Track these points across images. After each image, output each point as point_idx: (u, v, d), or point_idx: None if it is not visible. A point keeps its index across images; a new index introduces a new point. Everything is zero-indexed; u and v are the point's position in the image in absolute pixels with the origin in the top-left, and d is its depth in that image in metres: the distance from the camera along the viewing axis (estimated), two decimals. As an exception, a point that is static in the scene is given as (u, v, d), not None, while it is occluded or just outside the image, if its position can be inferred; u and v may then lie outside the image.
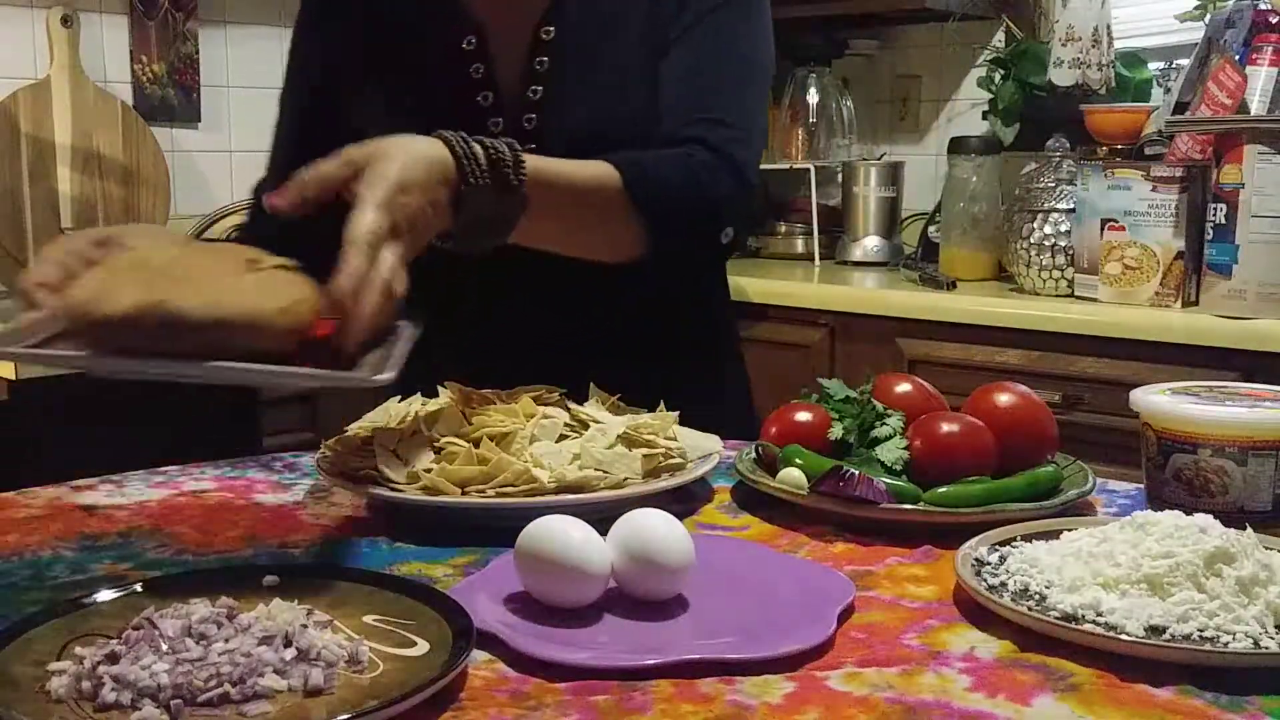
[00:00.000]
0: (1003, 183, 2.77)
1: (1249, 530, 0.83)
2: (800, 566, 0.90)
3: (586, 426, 1.06)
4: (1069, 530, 0.89)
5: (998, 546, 0.89)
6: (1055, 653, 0.75)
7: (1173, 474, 0.98)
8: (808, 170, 3.05)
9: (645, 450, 1.04)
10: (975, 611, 0.81)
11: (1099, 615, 0.77)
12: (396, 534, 0.98)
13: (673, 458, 1.05)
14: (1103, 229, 2.40)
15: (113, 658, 0.68)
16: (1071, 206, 2.48)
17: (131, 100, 2.78)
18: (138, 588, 0.81)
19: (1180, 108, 2.42)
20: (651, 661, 0.72)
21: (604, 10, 1.25)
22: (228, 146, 2.97)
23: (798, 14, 2.87)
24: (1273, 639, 0.74)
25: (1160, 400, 1.00)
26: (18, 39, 2.63)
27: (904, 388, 1.09)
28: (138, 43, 2.79)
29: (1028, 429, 1.05)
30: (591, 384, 1.14)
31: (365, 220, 0.92)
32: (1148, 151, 2.48)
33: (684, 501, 1.05)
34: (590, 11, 1.24)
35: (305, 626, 0.71)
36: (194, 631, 0.70)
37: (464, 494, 0.96)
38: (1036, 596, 0.80)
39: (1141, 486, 1.04)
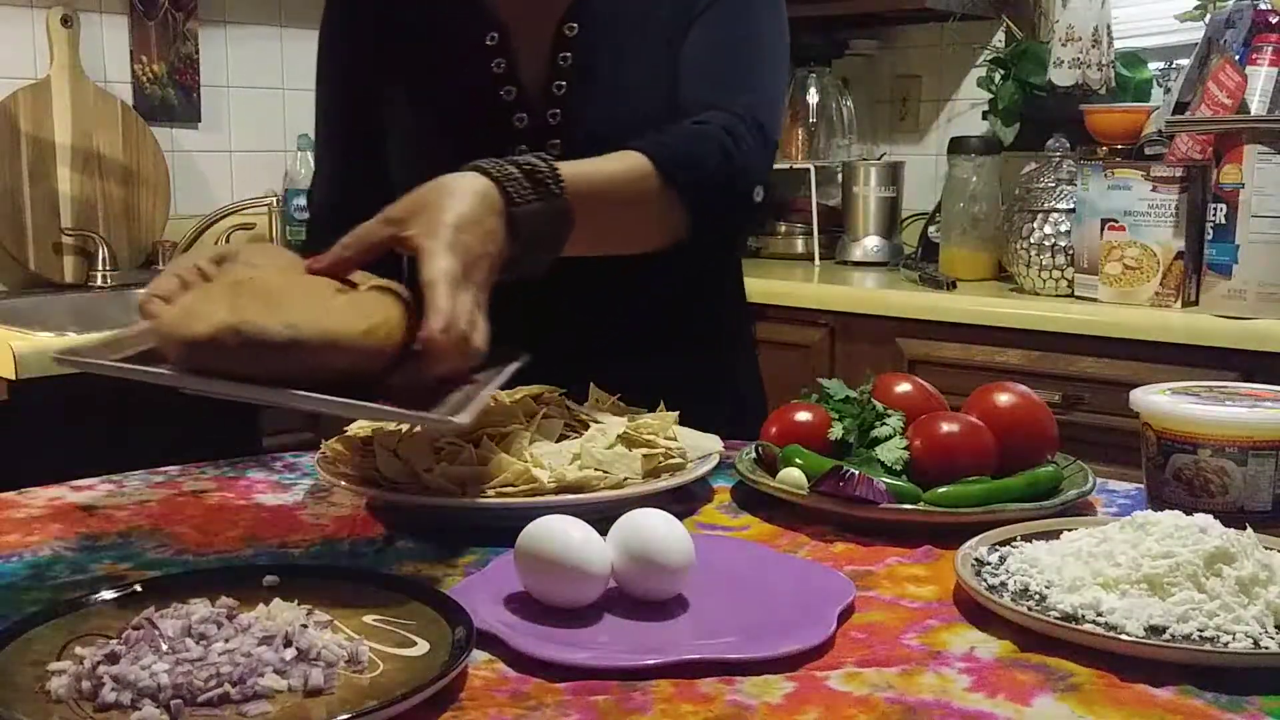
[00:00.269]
0: (1003, 183, 2.77)
1: (1249, 530, 0.83)
2: (800, 566, 0.90)
3: (586, 426, 1.06)
4: (1069, 530, 0.89)
5: (998, 546, 0.89)
6: (1055, 653, 0.75)
7: (1173, 474, 0.98)
8: (808, 170, 3.05)
9: (645, 450, 1.04)
10: (975, 611, 0.81)
11: (1099, 615, 0.77)
12: (396, 534, 0.98)
13: (673, 458, 1.05)
14: (1103, 229, 2.40)
15: (113, 658, 0.68)
16: (1071, 206, 2.48)
17: (131, 100, 2.77)
18: (138, 588, 0.81)
19: (1180, 108, 2.42)
20: (651, 661, 0.72)
21: (628, 8, 1.26)
22: (228, 146, 2.97)
23: (798, 14, 2.83)
24: (1273, 639, 0.74)
25: (1160, 400, 1.00)
26: (18, 39, 2.63)
27: (904, 388, 1.09)
28: (138, 43, 2.79)
29: (1028, 429, 1.05)
30: (591, 384, 1.14)
31: (439, 264, 0.91)
32: (1148, 151, 2.48)
33: (684, 501, 1.05)
34: (614, 9, 1.25)
35: (305, 626, 0.71)
36: (194, 631, 0.70)
37: (464, 494, 0.96)
38: (1036, 596, 0.80)
39: (1141, 486, 1.04)
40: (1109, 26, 2.68)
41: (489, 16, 1.25)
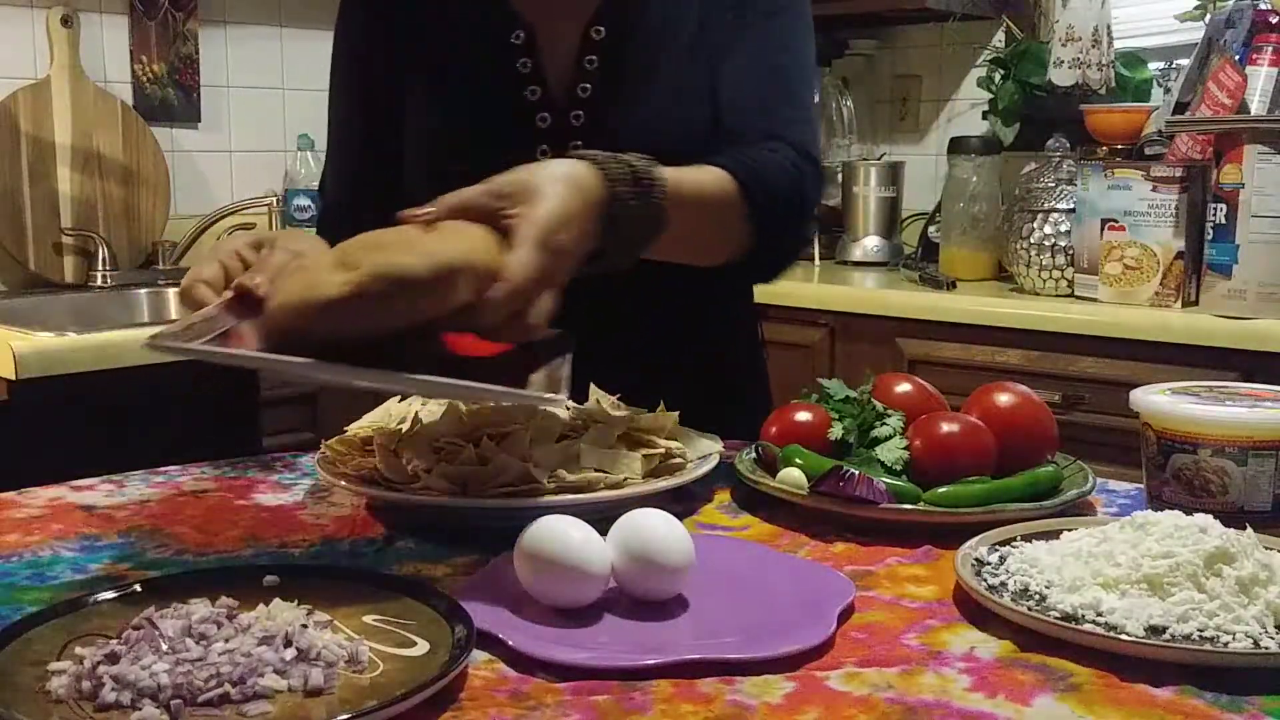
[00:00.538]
0: (1003, 183, 2.77)
1: (1249, 530, 0.83)
2: (800, 566, 0.90)
3: (587, 426, 1.06)
4: (1069, 530, 0.89)
5: (998, 546, 0.89)
6: (1055, 653, 0.75)
7: (1173, 474, 0.98)
8: (808, 170, 3.04)
9: (645, 450, 1.04)
10: (975, 611, 0.81)
11: (1099, 615, 0.77)
12: (396, 534, 0.98)
13: (673, 458, 1.05)
14: (1103, 229, 2.40)
15: (113, 658, 0.68)
16: (1071, 206, 2.48)
17: (131, 100, 2.77)
18: (138, 588, 0.81)
19: (1180, 108, 2.42)
20: (651, 661, 0.72)
21: (656, 13, 1.26)
22: (228, 146, 2.96)
23: (798, 14, 2.86)
24: (1273, 639, 0.74)
25: (1160, 400, 1.00)
26: (18, 39, 2.63)
27: (904, 388, 1.09)
28: (138, 43, 2.79)
29: (1028, 429, 1.05)
30: (592, 384, 1.14)
31: (523, 261, 0.90)
32: (1148, 151, 2.48)
33: (684, 501, 1.05)
34: (642, 14, 1.26)
35: (305, 626, 0.71)
36: (194, 631, 0.70)
37: (464, 494, 0.96)
38: (1036, 596, 0.80)
39: (1141, 486, 1.04)
40: (1109, 26, 2.68)
41: (515, 15, 1.26)
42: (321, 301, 0.83)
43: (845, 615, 0.81)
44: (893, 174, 3.03)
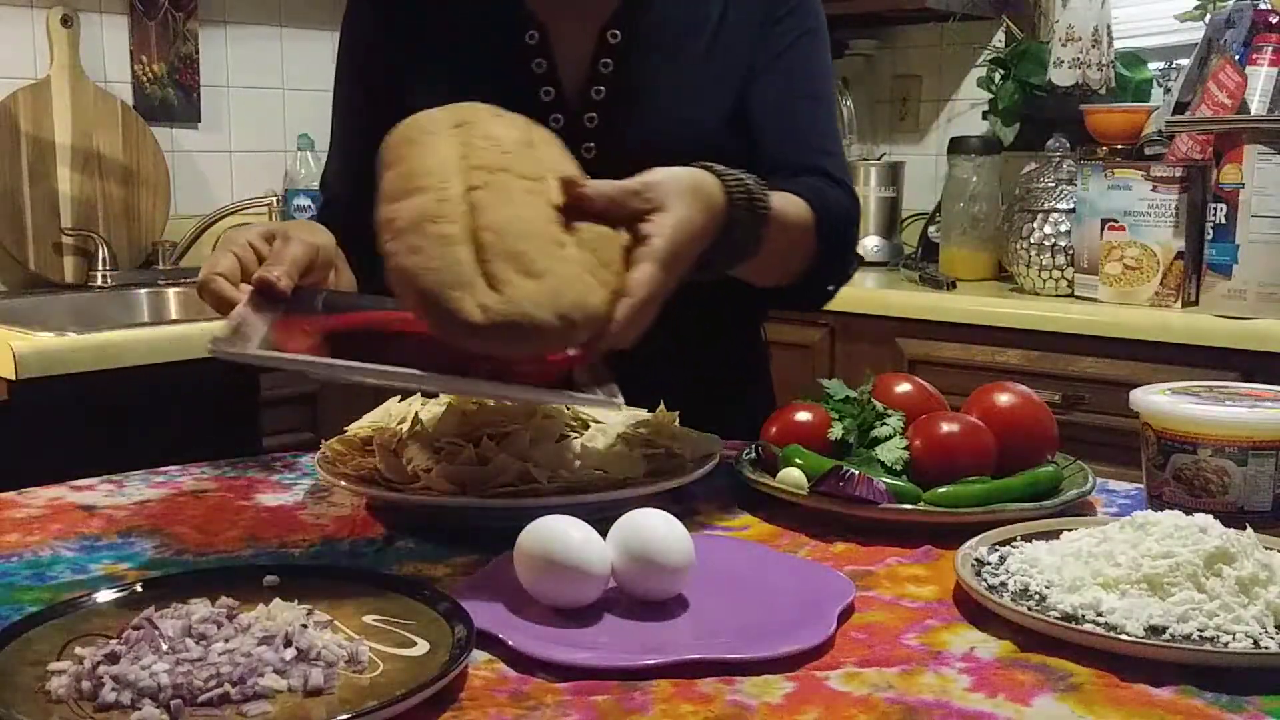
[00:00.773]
0: (1003, 183, 2.77)
1: (1249, 530, 0.83)
2: (800, 566, 0.90)
3: (587, 426, 1.06)
4: (1069, 530, 0.89)
5: (998, 546, 0.89)
6: (1055, 653, 0.75)
7: (1173, 474, 0.98)
8: (808, 170, 3.04)
9: (645, 450, 1.04)
10: (975, 611, 0.81)
11: (1099, 615, 0.77)
12: (396, 534, 0.98)
13: (673, 458, 1.05)
14: (1103, 229, 2.40)
15: (113, 658, 0.68)
16: (1071, 206, 2.48)
17: (131, 100, 2.77)
18: (138, 588, 0.81)
19: (1180, 108, 2.42)
20: (651, 661, 0.72)
21: (673, 19, 1.26)
22: (228, 146, 2.96)
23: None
24: (1273, 639, 0.74)
25: (1160, 400, 1.00)
26: (18, 39, 2.63)
27: (904, 388, 1.09)
28: (138, 43, 2.79)
29: (1028, 429, 1.05)
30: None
31: (649, 276, 0.91)
32: (1148, 151, 2.49)
33: (684, 501, 1.05)
34: (659, 19, 1.26)
35: (305, 626, 0.71)
36: (194, 631, 0.70)
37: (464, 494, 0.96)
38: (1036, 596, 0.80)
39: (1141, 486, 1.04)
40: (1109, 26, 2.68)
41: (529, 16, 1.26)
42: (449, 309, 0.84)
43: (845, 615, 0.81)
44: (893, 174, 3.03)
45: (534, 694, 0.70)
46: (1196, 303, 2.28)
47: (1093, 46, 2.65)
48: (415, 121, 0.95)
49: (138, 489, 1.12)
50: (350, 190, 1.35)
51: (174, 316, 2.67)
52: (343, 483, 1.01)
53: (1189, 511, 0.84)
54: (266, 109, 3.01)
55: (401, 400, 1.13)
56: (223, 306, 0.94)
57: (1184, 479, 0.97)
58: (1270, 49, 2.33)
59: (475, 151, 0.90)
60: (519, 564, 0.81)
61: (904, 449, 1.02)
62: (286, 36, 3.00)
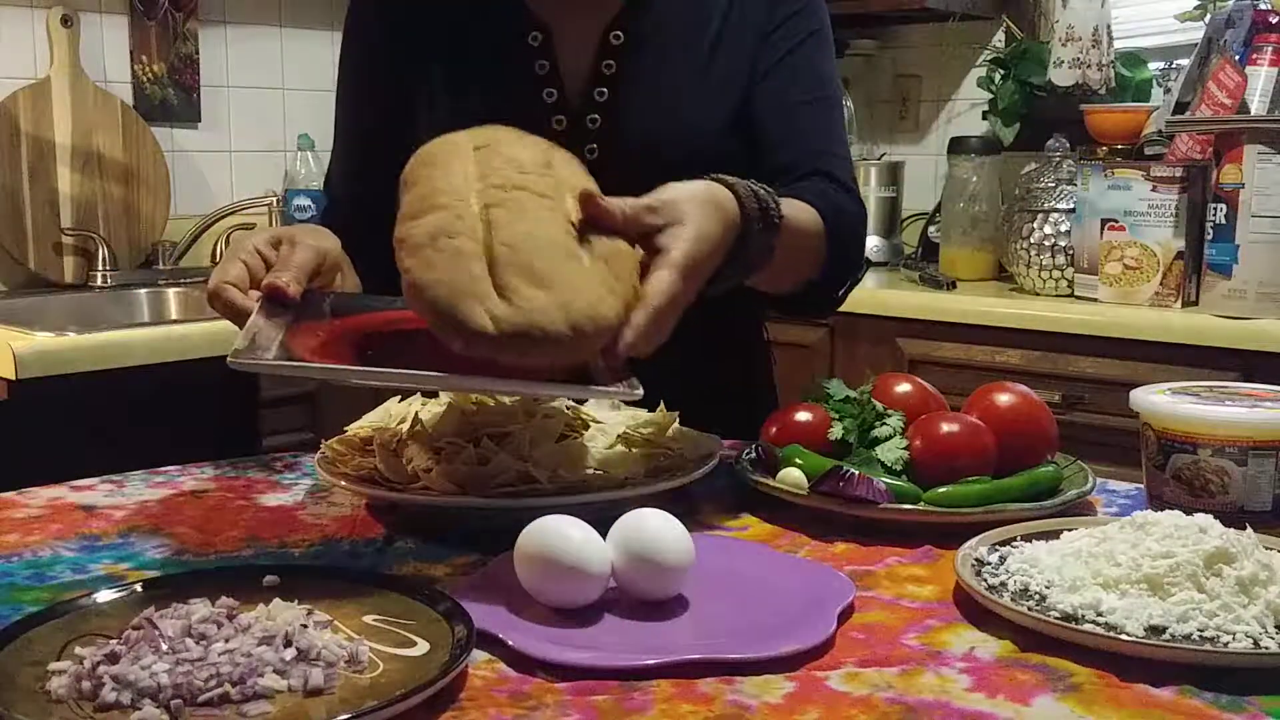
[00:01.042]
0: (1003, 183, 2.77)
1: (1249, 530, 0.83)
2: (800, 566, 0.90)
3: (587, 426, 1.06)
4: (1069, 530, 0.89)
5: (998, 546, 0.89)
6: (1055, 653, 0.75)
7: (1173, 474, 0.98)
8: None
9: (645, 450, 1.04)
10: (975, 611, 0.81)
11: (1099, 615, 0.77)
12: (396, 534, 0.98)
13: (673, 457, 1.05)
14: (1103, 229, 2.40)
15: (113, 658, 0.68)
16: (1071, 206, 2.48)
17: (131, 100, 2.77)
18: (138, 588, 0.81)
19: (1180, 108, 2.42)
20: (651, 661, 0.72)
21: (676, 21, 1.26)
22: (228, 146, 2.96)
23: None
24: (1273, 639, 0.74)
25: (1160, 400, 1.00)
26: (18, 39, 2.62)
27: (904, 388, 1.09)
28: (138, 43, 2.79)
29: (1028, 429, 1.05)
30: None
31: (665, 288, 0.91)
32: (1148, 151, 2.49)
33: (684, 501, 1.05)
34: (662, 22, 1.26)
35: (305, 626, 0.71)
36: (194, 631, 0.70)
37: (464, 494, 0.96)
38: (1036, 596, 0.80)
39: (1141, 486, 1.04)
40: (1109, 26, 2.68)
41: (532, 18, 1.26)
42: (460, 320, 0.84)
43: (845, 615, 0.81)
44: (893, 174, 3.03)
45: (534, 694, 0.70)
46: (1196, 303, 2.28)
47: (1093, 46, 2.65)
48: (437, 144, 0.95)
49: (138, 489, 1.12)
50: (355, 190, 1.35)
51: (174, 316, 2.67)
52: (343, 483, 1.01)
53: (1189, 511, 0.84)
54: (266, 109, 3.01)
55: (401, 400, 1.13)
56: (234, 314, 0.95)
57: (1184, 479, 0.97)
58: (1270, 49, 2.33)
59: (494, 172, 0.91)
60: (519, 564, 0.81)
61: (904, 449, 1.02)
62: (286, 36, 3.00)
